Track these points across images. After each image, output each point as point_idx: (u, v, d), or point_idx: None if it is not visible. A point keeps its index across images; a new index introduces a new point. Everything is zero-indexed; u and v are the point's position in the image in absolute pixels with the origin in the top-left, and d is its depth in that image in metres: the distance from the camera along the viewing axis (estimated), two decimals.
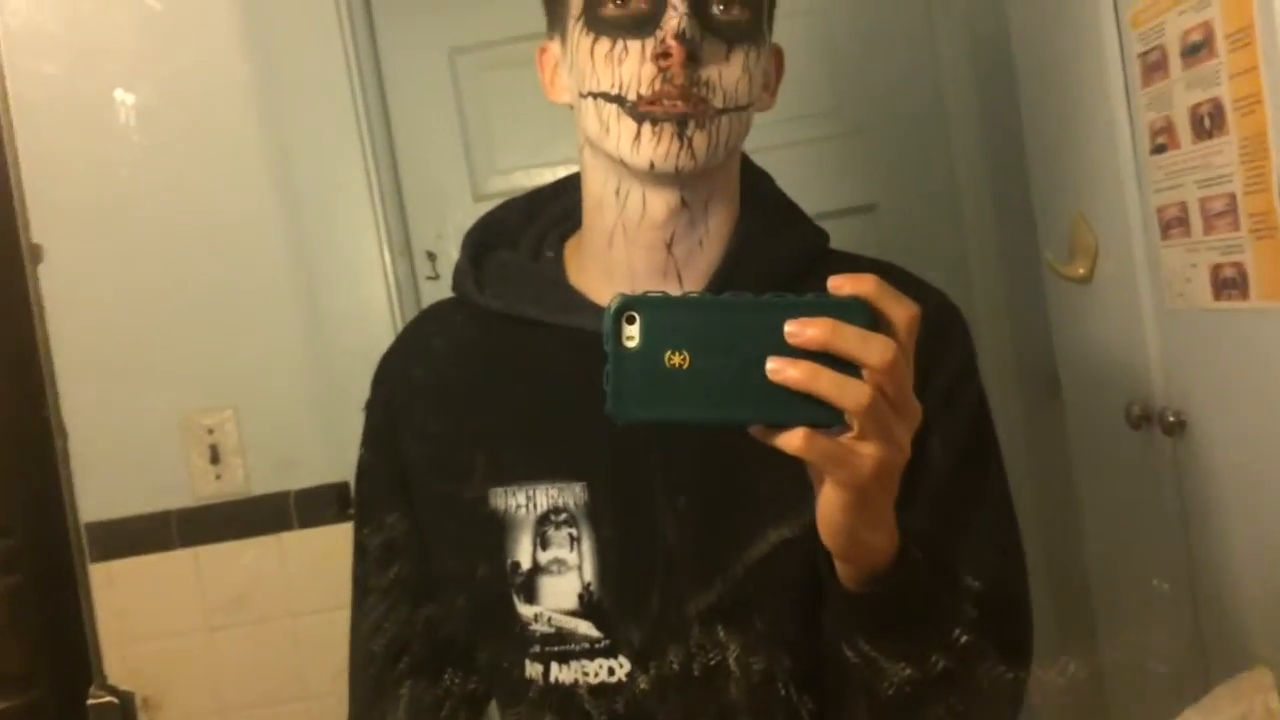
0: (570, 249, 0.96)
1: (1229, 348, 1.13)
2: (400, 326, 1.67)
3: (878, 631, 0.73)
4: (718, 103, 0.81)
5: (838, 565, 0.71)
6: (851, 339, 0.58)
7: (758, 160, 0.96)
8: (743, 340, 0.59)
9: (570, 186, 0.98)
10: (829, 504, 0.64)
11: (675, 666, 0.85)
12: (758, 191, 0.95)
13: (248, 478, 1.69)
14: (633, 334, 0.59)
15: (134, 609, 1.67)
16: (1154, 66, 1.18)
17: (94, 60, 1.57)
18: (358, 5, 1.69)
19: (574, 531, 0.87)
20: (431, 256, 1.79)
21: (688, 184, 0.85)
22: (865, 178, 1.76)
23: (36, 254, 0.73)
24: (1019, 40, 1.54)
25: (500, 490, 0.88)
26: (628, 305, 0.59)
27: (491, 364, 0.93)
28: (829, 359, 0.58)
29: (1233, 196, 1.07)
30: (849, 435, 0.60)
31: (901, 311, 0.60)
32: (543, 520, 0.87)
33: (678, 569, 0.85)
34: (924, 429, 0.71)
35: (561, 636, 0.87)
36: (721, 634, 0.85)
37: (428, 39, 1.75)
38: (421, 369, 0.97)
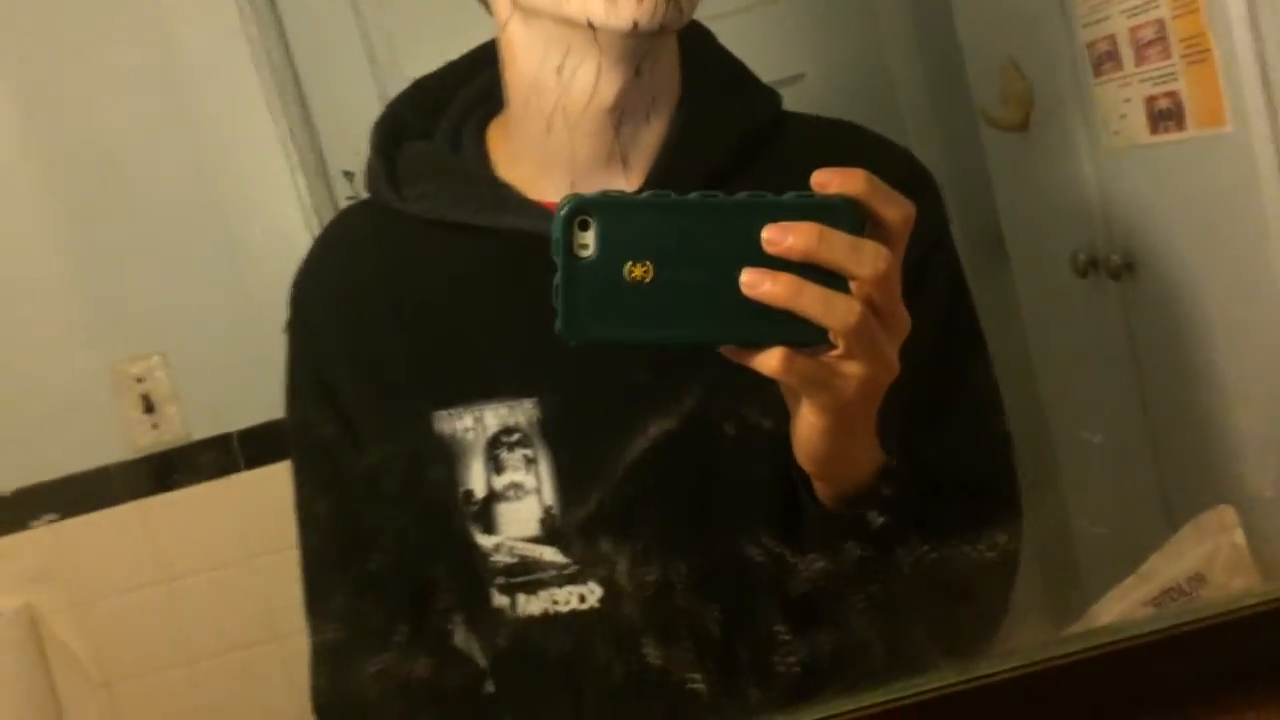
0: (494, 136, 0.86)
1: (1170, 182, 1.10)
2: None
3: (859, 543, 0.68)
4: None
5: (816, 485, 0.66)
6: (839, 247, 0.51)
7: None
8: (714, 248, 0.52)
9: (485, 60, 0.87)
10: (808, 427, 0.59)
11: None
12: (700, 52, 0.85)
13: (185, 423, 1.64)
14: (587, 242, 0.52)
15: (84, 569, 1.63)
16: None
17: None
18: None
19: (529, 452, 0.79)
20: (349, 175, 1.71)
21: (649, 50, 0.75)
22: (791, 47, 1.69)
23: None
24: None
25: (444, 413, 0.80)
26: (581, 208, 0.51)
27: (418, 274, 0.83)
28: (812, 268, 0.51)
29: (1161, 23, 1.02)
30: (833, 354, 0.54)
31: (895, 212, 0.53)
32: (494, 443, 0.80)
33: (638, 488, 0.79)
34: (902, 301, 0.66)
35: (526, 565, 0.80)
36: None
37: None
38: (343, 282, 0.88)
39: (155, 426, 1.63)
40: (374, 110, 1.70)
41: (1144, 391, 1.25)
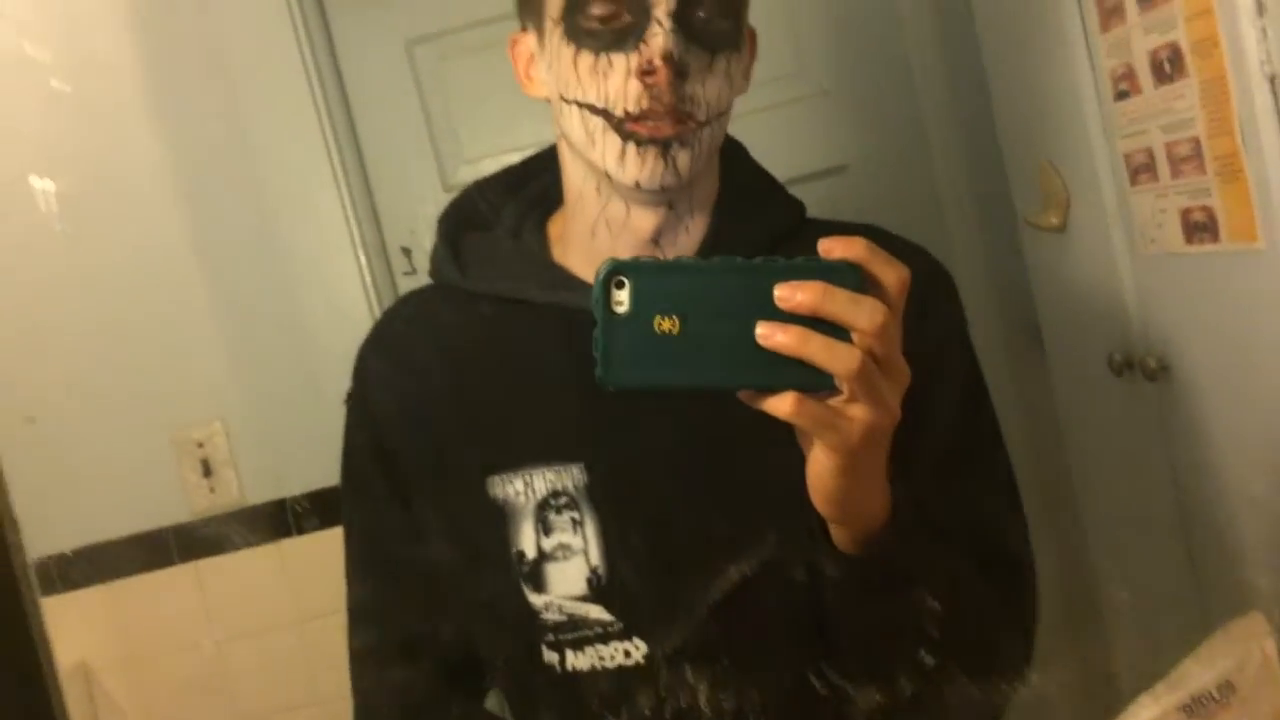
0: (553, 229, 0.95)
1: (1204, 291, 1.13)
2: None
3: (875, 594, 0.73)
4: (701, 115, 0.80)
5: (832, 530, 0.70)
6: (841, 302, 0.57)
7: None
8: (733, 304, 0.58)
9: (546, 166, 0.96)
10: (819, 468, 0.64)
11: (686, 647, 0.84)
12: (734, 166, 0.94)
13: (242, 488, 1.69)
14: (622, 299, 0.58)
15: (139, 627, 1.67)
16: (1111, 11, 1.16)
17: (5, 145, 1.54)
18: (310, 5, 1.67)
19: (576, 515, 0.85)
20: (406, 252, 1.79)
21: (673, 193, 0.84)
22: (834, 139, 1.75)
23: None
24: None
25: (497, 478, 0.86)
26: (617, 270, 0.58)
27: (476, 348, 0.91)
28: (819, 322, 0.58)
29: (1197, 140, 1.06)
30: (838, 399, 0.59)
31: (892, 274, 0.60)
32: (543, 505, 0.86)
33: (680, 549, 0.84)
34: (917, 392, 0.71)
35: (574, 623, 0.85)
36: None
37: (383, 33, 1.73)
38: (403, 357, 0.95)
39: (212, 491, 1.69)
40: (434, 191, 1.79)
41: (1178, 492, 1.27)
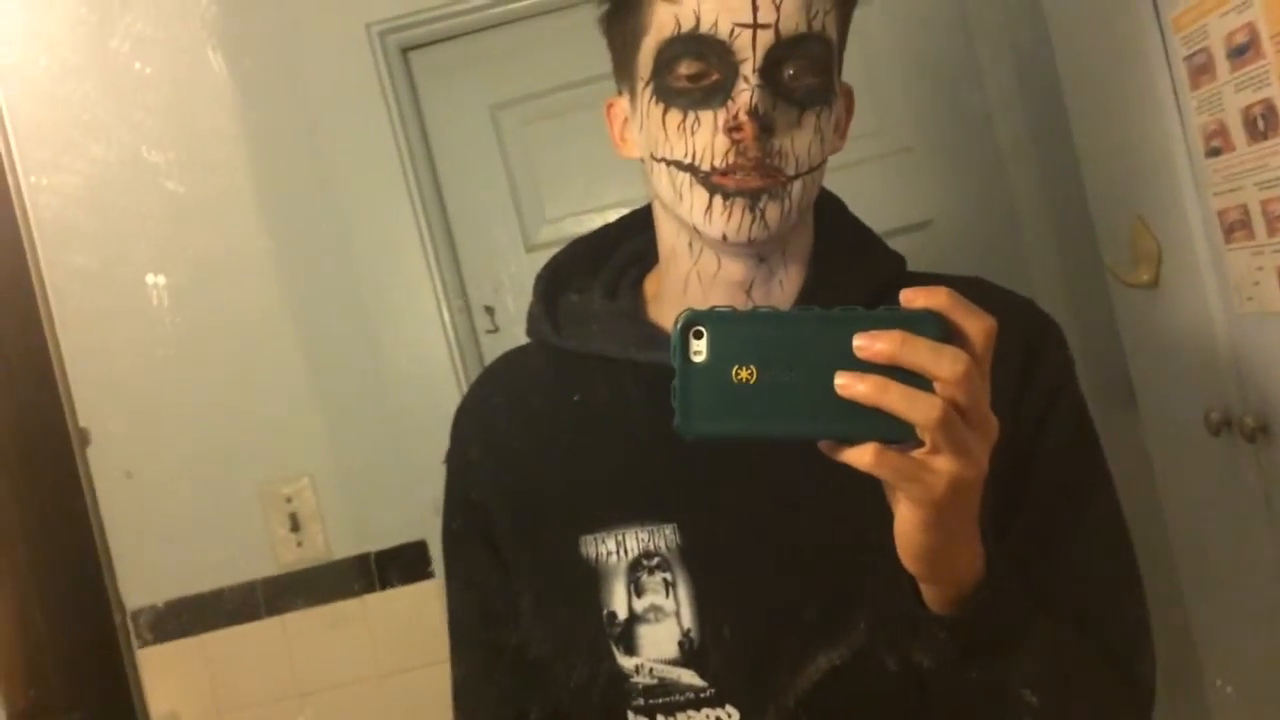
0: (649, 288, 0.95)
1: None
2: (463, 382, 1.71)
3: (971, 658, 0.70)
4: (790, 170, 0.80)
5: (923, 590, 0.69)
6: (921, 351, 0.57)
7: None
8: (811, 354, 0.58)
9: (641, 225, 0.97)
10: (905, 523, 0.63)
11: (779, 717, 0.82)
12: (832, 221, 0.93)
13: (328, 543, 1.72)
14: (700, 349, 0.59)
15: (227, 679, 1.70)
16: (1201, 69, 1.15)
17: (124, 247, 1.62)
18: (399, 72, 1.72)
19: (668, 576, 0.84)
20: (489, 310, 1.81)
21: (763, 246, 0.84)
22: (918, 195, 1.74)
23: (85, 438, 0.76)
24: (1061, 49, 1.51)
25: (589, 538, 0.86)
26: (694, 320, 0.59)
27: (571, 407, 0.91)
28: (901, 373, 0.57)
29: None
30: (922, 450, 0.58)
31: (976, 324, 0.59)
32: (635, 566, 0.85)
33: (769, 619, 0.83)
34: (1024, 445, 0.69)
35: (665, 687, 0.84)
36: None
37: (468, 98, 1.77)
38: (499, 417, 0.96)
39: (300, 545, 1.72)
40: (516, 250, 1.82)
41: None
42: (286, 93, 1.67)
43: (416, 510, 1.66)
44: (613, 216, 1.72)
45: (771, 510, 0.83)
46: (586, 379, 0.91)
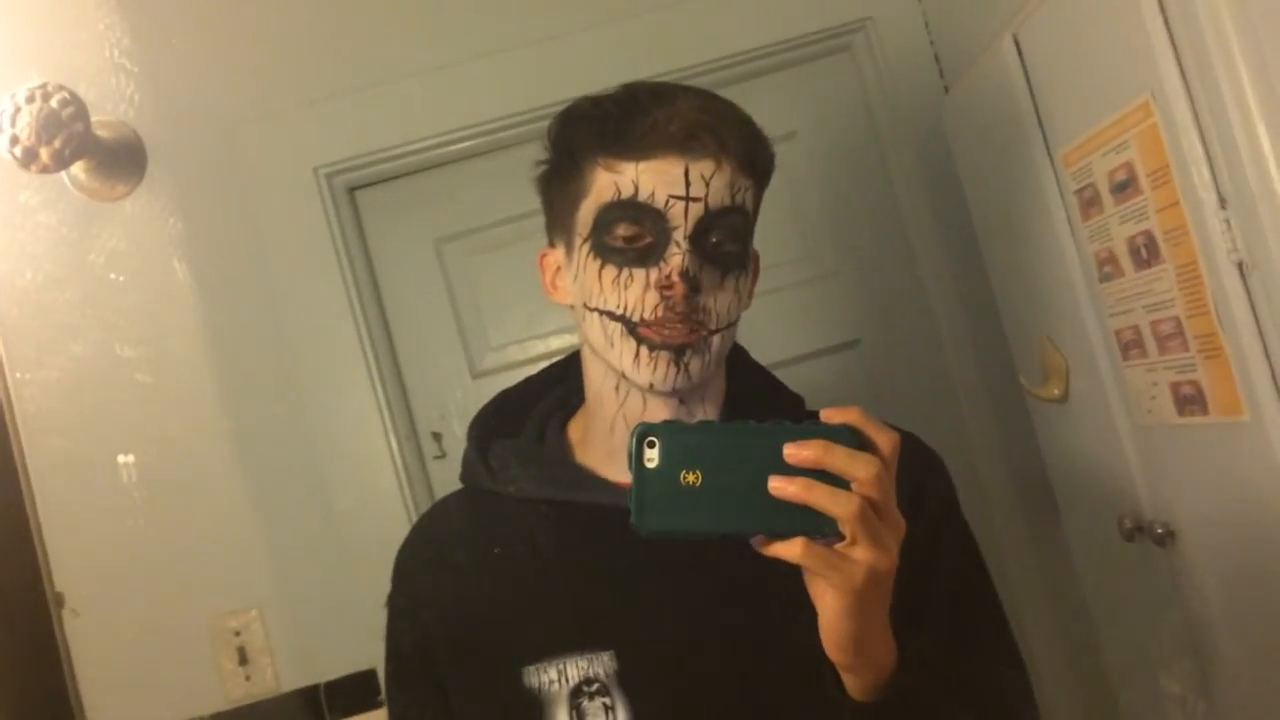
0: (574, 431, 1.04)
1: (1200, 459, 1.18)
2: (411, 508, 1.74)
3: None
4: (712, 325, 0.91)
5: (845, 679, 0.76)
6: (841, 456, 0.67)
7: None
8: (748, 461, 0.68)
9: (566, 374, 1.08)
10: (829, 611, 0.71)
11: None
12: (738, 367, 1.05)
13: (277, 675, 1.72)
14: (653, 456, 0.69)
15: None
16: (1090, 202, 1.25)
17: (98, 431, 1.75)
18: (346, 211, 1.79)
19: (608, 700, 0.90)
20: (437, 436, 1.85)
21: (684, 393, 0.94)
22: (845, 316, 1.83)
23: (60, 601, 0.81)
24: (968, 181, 1.62)
25: (532, 668, 0.92)
26: (648, 432, 0.69)
27: (508, 546, 0.98)
28: (824, 476, 0.67)
29: (1178, 320, 1.13)
30: (843, 544, 0.68)
31: (883, 437, 0.70)
32: (576, 693, 0.90)
33: None
34: (919, 560, 0.78)
35: None
36: None
37: (413, 233, 1.85)
38: (439, 559, 1.02)
39: (248, 678, 1.72)
40: (462, 377, 1.87)
41: (1198, 653, 1.28)
42: (242, 249, 1.76)
43: (366, 639, 1.65)
44: (554, 342, 1.81)
45: (700, 631, 0.90)
46: (522, 519, 0.98)
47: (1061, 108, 1.28)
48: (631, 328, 0.89)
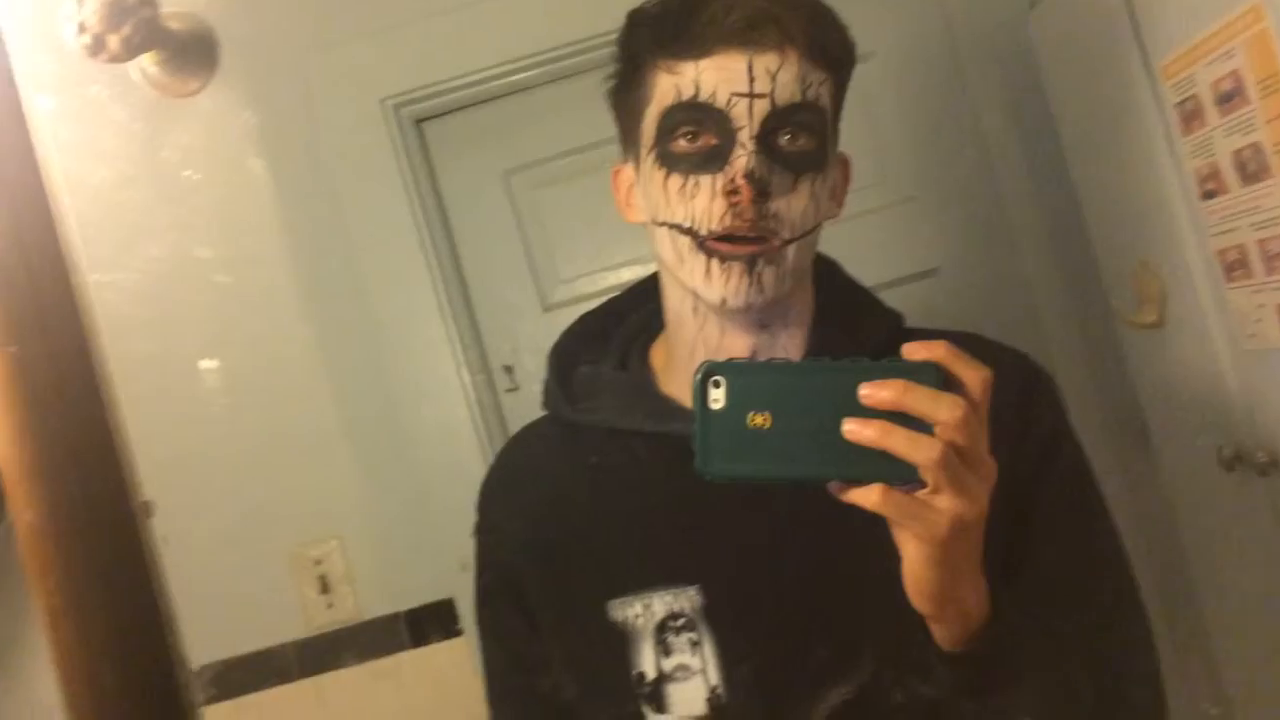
0: (655, 357, 0.99)
1: None
2: (484, 440, 1.74)
3: (977, 692, 0.73)
4: (786, 233, 0.84)
5: (933, 629, 0.72)
6: (922, 398, 0.61)
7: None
8: (821, 402, 0.63)
9: (647, 295, 1.02)
10: (912, 561, 0.67)
11: None
12: (830, 284, 0.97)
13: (358, 603, 1.75)
14: (718, 397, 0.64)
15: None
16: (1191, 115, 1.18)
17: (178, 335, 1.74)
18: (414, 143, 1.77)
19: (694, 636, 0.87)
20: (509, 369, 1.85)
21: (762, 310, 0.87)
22: (923, 244, 1.77)
23: (148, 510, 0.82)
24: (1056, 99, 1.55)
25: (616, 602, 0.89)
26: (713, 370, 0.64)
27: (591, 477, 0.95)
28: (904, 419, 0.61)
29: None
30: (924, 491, 0.63)
31: (972, 374, 0.63)
32: (661, 627, 0.88)
33: (784, 671, 0.86)
34: (1024, 495, 0.72)
35: None
36: None
37: (481, 165, 1.82)
38: (523, 489, 1.00)
39: (330, 606, 1.74)
40: (533, 310, 1.85)
41: None
42: (312, 175, 1.74)
43: (443, 569, 1.69)
44: (625, 274, 1.78)
45: (786, 565, 0.87)
46: (603, 450, 0.94)
47: (1160, 16, 1.20)
48: (700, 241, 0.84)
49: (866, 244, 1.74)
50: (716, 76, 0.83)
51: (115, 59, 1.50)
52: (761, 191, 0.82)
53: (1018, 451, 0.85)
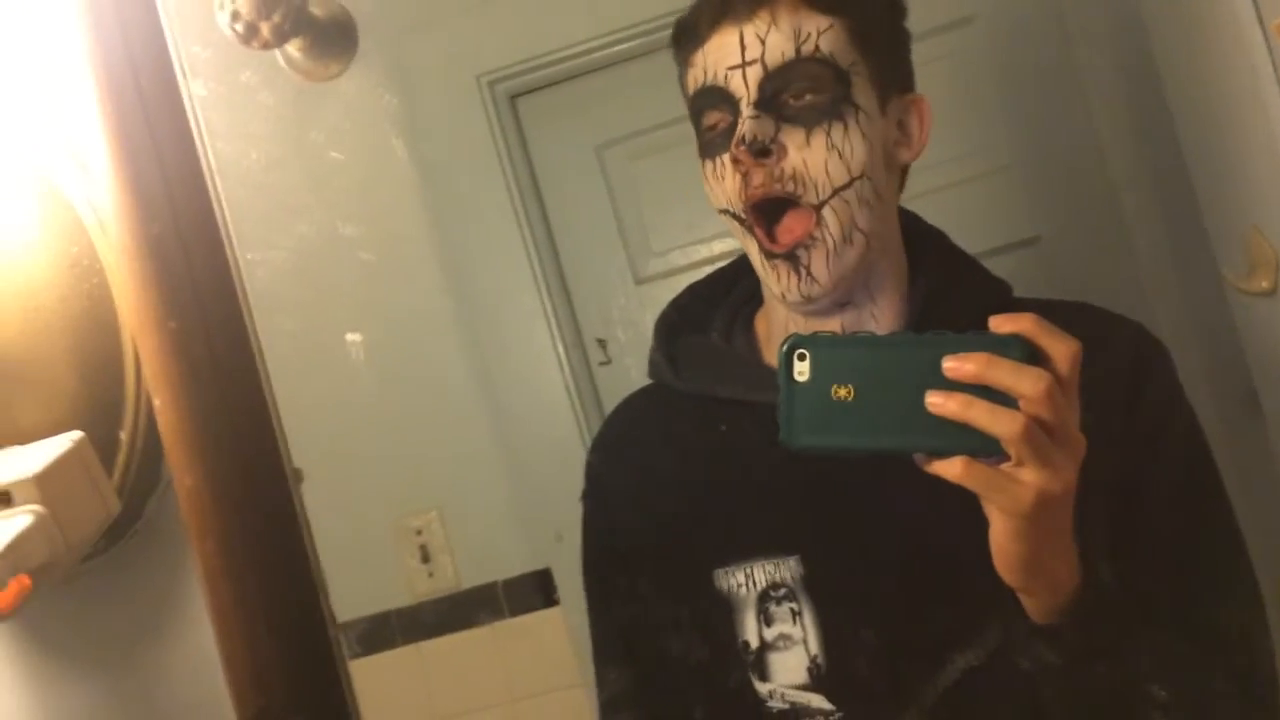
0: (759, 327, 1.00)
1: None
2: (580, 413, 1.76)
3: (1085, 662, 0.73)
4: (812, 196, 0.84)
5: (1024, 602, 0.72)
6: (1006, 371, 0.61)
7: (912, 208, 0.98)
8: (904, 375, 0.63)
9: (746, 268, 1.00)
10: (998, 534, 0.67)
11: None
12: (931, 252, 0.97)
13: (457, 572, 1.79)
14: (803, 369, 0.65)
15: (364, 708, 1.77)
16: None
17: (325, 310, 1.80)
18: (508, 119, 1.80)
19: (795, 605, 0.88)
20: (602, 343, 1.86)
21: (829, 295, 0.87)
22: (1023, 211, 1.74)
23: (299, 476, 0.86)
24: (1165, 60, 1.50)
25: (721, 571, 0.91)
26: (798, 344, 0.66)
27: (695, 446, 0.96)
28: (988, 392, 0.62)
29: None
30: (1008, 464, 0.63)
31: (1060, 347, 0.63)
32: (764, 597, 0.89)
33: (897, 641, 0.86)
34: (1136, 462, 0.72)
35: (796, 712, 0.88)
36: None
37: (574, 139, 1.83)
38: (627, 458, 1.02)
39: (431, 575, 1.79)
40: (626, 284, 1.87)
41: None
42: (419, 154, 1.78)
43: (539, 540, 1.72)
44: (717, 246, 1.79)
45: (889, 532, 0.87)
46: (709, 420, 0.96)
47: None
48: (745, 225, 0.86)
49: (962, 213, 1.70)
50: (715, 57, 0.86)
51: (266, 45, 1.55)
52: (761, 152, 0.82)
53: (1127, 423, 0.83)
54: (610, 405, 1.14)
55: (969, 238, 1.69)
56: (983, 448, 0.62)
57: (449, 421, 1.78)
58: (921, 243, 0.95)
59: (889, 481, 0.85)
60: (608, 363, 1.86)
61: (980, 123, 1.74)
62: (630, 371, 1.82)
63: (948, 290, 0.93)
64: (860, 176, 0.84)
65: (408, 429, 1.77)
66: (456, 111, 1.77)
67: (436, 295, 1.77)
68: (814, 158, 0.83)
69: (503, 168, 1.77)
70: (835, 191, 0.83)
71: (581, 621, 1.07)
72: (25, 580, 0.79)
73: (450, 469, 1.79)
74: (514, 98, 1.83)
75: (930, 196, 0.93)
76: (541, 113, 1.84)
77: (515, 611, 1.78)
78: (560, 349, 1.78)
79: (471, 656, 1.78)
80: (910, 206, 0.99)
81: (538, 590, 1.77)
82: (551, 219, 1.85)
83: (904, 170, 0.95)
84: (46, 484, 0.83)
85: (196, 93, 0.87)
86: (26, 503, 0.83)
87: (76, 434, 0.94)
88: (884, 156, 0.87)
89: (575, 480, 1.09)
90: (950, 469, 0.63)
